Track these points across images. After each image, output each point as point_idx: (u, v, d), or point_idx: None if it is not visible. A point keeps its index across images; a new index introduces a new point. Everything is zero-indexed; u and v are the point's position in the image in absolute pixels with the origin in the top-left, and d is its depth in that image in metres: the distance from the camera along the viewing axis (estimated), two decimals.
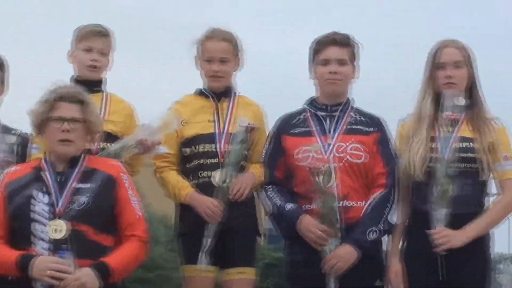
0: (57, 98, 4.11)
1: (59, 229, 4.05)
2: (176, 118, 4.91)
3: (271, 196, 4.63)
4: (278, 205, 4.55)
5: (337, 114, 4.73)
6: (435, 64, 4.61)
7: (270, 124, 4.93)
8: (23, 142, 4.73)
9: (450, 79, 4.48)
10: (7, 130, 4.75)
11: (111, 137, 4.75)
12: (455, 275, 4.46)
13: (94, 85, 4.79)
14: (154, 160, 5.00)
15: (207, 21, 5.16)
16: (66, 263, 3.95)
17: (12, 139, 4.70)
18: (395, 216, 4.65)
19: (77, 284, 3.92)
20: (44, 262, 3.94)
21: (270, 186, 4.65)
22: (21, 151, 4.77)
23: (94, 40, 4.68)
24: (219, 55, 4.72)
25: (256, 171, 4.88)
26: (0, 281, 4.20)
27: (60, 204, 4.08)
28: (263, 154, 4.90)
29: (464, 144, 4.55)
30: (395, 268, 4.59)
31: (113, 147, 4.69)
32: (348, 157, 4.49)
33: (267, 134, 4.89)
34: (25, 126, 4.56)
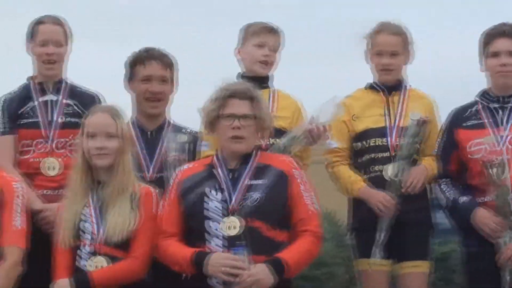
0: (228, 95, 4.14)
1: (233, 225, 4.07)
2: (342, 109, 4.88)
3: (444, 189, 4.63)
4: (452, 198, 4.54)
5: (509, 105, 4.70)
6: None
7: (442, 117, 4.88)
8: (194, 140, 4.80)
9: None
10: (178, 129, 4.84)
11: (280, 133, 4.77)
12: None
13: (262, 81, 4.85)
14: (326, 155, 5.03)
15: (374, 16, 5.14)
16: (241, 260, 3.96)
17: (183, 137, 4.76)
18: None
19: (252, 280, 3.92)
20: (219, 259, 3.97)
21: (443, 180, 4.65)
22: (192, 149, 4.84)
23: (266, 37, 4.75)
24: (389, 48, 4.72)
25: (429, 165, 4.86)
26: (175, 280, 4.29)
27: (233, 200, 4.09)
28: (436, 147, 4.88)
29: None
30: None
31: (282, 141, 4.71)
32: None
33: (439, 127, 4.86)
34: (195, 124, 4.71)
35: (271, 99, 4.97)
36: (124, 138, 4.27)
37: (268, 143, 4.74)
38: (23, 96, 4.99)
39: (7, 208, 4.30)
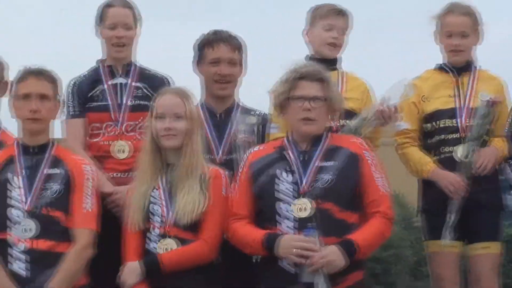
0: (298, 77, 4.14)
1: (304, 207, 4.08)
2: (412, 90, 4.90)
3: None
4: None
5: None
6: None
7: None
8: (263, 122, 4.84)
9: None
10: (246, 111, 4.86)
11: (350, 114, 4.77)
12: None
13: (330, 63, 4.85)
14: (396, 137, 5.04)
15: None
16: (312, 241, 3.98)
17: (252, 119, 4.79)
18: None
19: (324, 262, 3.93)
20: (290, 241, 3.98)
21: None
22: (261, 131, 4.86)
23: (335, 19, 4.75)
24: (459, 29, 4.73)
25: (499, 145, 4.89)
26: (245, 262, 4.35)
27: (304, 182, 4.10)
28: (506, 128, 4.88)
29: None
30: None
31: (352, 123, 4.72)
32: None
33: (509, 108, 4.85)
34: (263, 107, 4.71)
35: (339, 80, 4.95)
36: (193, 119, 4.30)
37: (338, 124, 4.73)
38: (93, 79, 5.05)
39: (78, 191, 4.38)
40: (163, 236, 4.24)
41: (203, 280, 4.28)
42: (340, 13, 4.72)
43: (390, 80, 4.85)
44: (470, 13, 4.77)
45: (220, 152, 4.80)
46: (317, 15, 4.73)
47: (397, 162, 5.09)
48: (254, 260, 4.35)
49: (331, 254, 3.98)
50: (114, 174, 4.92)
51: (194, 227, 4.21)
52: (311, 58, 4.91)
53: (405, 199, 8.38)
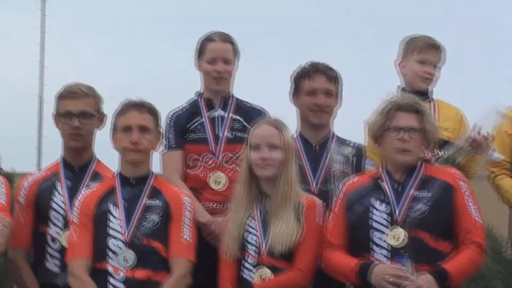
0: (396, 108, 4.22)
1: (398, 236, 4.11)
2: (503, 116, 4.91)
3: None
4: None
5: None
6: None
7: None
8: (358, 153, 4.86)
9: None
10: (342, 141, 4.89)
11: (444, 144, 4.78)
12: None
13: (422, 94, 4.87)
14: (490, 168, 5.02)
15: None
16: (405, 270, 4.03)
17: (348, 150, 4.82)
18: None
19: None
20: (383, 269, 4.02)
21: None
22: (356, 162, 4.87)
23: (429, 53, 4.78)
24: None
25: None
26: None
27: (398, 212, 4.15)
28: None
29: None
30: None
31: (446, 153, 4.73)
32: None
33: None
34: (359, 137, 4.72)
35: (432, 110, 4.92)
36: (288, 149, 4.34)
37: (433, 154, 4.72)
38: (191, 111, 5.10)
39: (176, 221, 4.45)
40: (258, 265, 4.26)
41: None
42: (435, 47, 4.74)
43: (482, 106, 4.94)
44: None
45: (316, 183, 4.78)
46: (411, 47, 4.77)
47: (484, 193, 5.06)
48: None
49: (425, 283, 3.99)
50: (210, 204, 4.94)
51: (289, 256, 4.22)
52: (403, 89, 4.94)
53: (492, 230, 8.27)
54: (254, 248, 4.29)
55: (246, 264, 4.32)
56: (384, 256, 4.14)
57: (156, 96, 5.12)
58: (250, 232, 4.33)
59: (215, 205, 4.95)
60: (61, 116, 4.87)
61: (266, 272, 4.25)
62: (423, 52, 4.69)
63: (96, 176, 4.82)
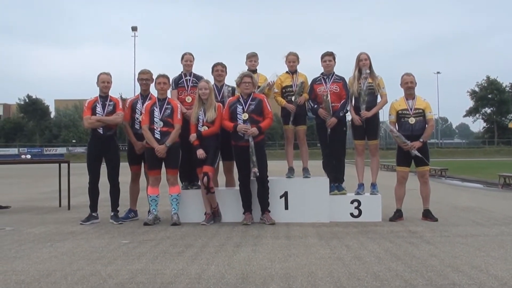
0: None
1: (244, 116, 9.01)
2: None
3: None
4: None
5: None
6: None
7: None
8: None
9: None
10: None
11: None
12: None
13: None
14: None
15: None
16: (247, 126, 8.69)
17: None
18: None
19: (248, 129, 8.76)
20: (241, 127, 8.75)
21: None
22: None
23: None
24: None
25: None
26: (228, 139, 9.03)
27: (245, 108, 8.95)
28: None
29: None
30: None
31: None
32: None
33: None
34: None
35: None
36: None
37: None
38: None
39: (176, 112, 9.52)
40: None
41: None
42: None
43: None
44: None
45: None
46: None
47: None
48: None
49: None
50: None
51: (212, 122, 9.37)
52: None
53: None
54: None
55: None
56: (241, 123, 9.12)
57: None
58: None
59: None
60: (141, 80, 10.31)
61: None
62: None
63: (150, 98, 10.18)
